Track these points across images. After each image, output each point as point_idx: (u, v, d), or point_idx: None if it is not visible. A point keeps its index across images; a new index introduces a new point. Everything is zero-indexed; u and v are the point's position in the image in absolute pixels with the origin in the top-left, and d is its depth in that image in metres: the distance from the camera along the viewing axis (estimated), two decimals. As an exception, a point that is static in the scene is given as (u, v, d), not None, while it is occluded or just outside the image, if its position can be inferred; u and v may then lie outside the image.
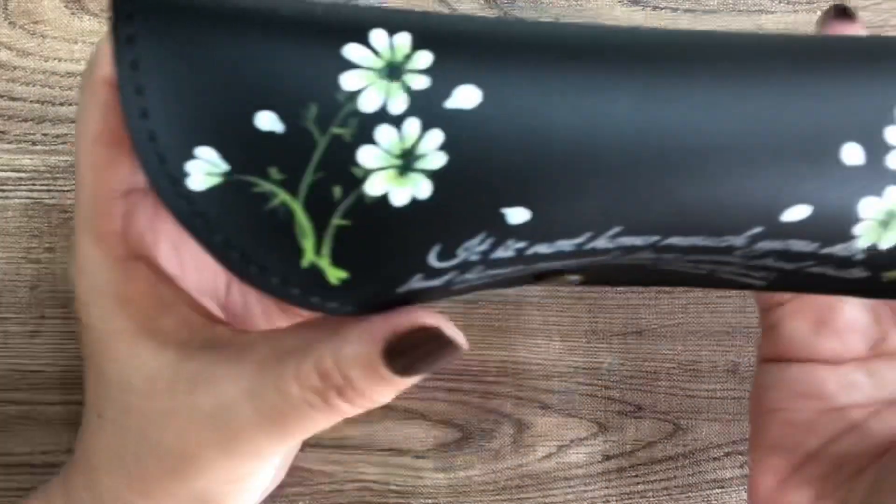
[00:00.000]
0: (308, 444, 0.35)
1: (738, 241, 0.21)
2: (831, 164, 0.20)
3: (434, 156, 0.19)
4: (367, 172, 0.19)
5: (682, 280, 0.25)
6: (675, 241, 0.21)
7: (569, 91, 0.19)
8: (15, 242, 0.34)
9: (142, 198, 0.23)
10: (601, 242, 0.21)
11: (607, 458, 0.35)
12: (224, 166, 0.19)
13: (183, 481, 0.22)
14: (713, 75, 0.20)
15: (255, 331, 0.24)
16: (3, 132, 0.34)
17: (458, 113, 0.19)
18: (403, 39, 0.19)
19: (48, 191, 0.34)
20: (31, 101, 0.34)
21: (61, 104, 0.34)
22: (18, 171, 0.34)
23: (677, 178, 0.20)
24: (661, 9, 0.35)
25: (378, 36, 0.19)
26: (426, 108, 0.19)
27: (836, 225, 0.21)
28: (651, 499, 0.35)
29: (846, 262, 0.22)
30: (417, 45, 0.19)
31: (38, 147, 0.34)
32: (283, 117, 0.19)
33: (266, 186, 0.19)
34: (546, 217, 0.20)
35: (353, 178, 0.19)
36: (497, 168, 0.19)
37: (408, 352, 0.20)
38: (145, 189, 0.23)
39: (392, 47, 0.19)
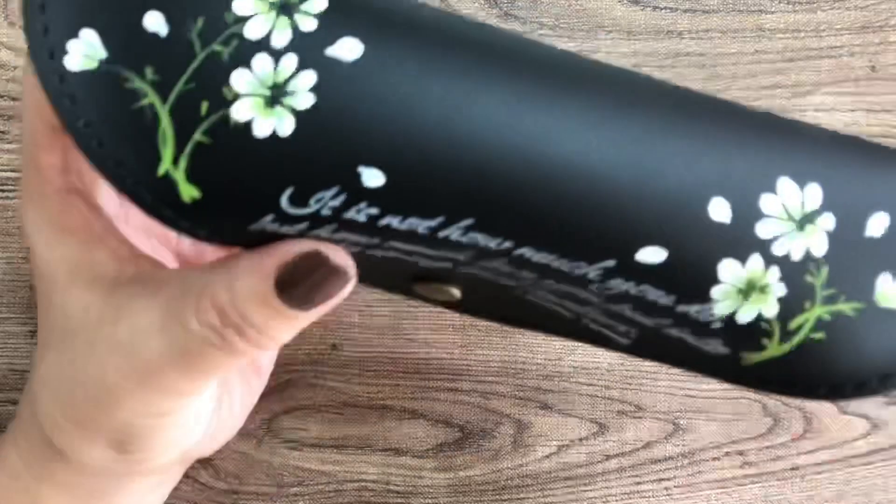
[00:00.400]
0: (308, 445, 0.35)
1: (591, 272, 0.21)
2: (696, 213, 0.20)
3: (303, 96, 0.20)
4: (237, 96, 0.20)
5: (554, 323, 0.24)
6: (527, 252, 0.21)
7: (446, 72, 0.20)
8: (15, 242, 0.34)
9: None
10: (454, 233, 0.21)
11: (607, 458, 0.35)
12: (103, 53, 0.20)
13: (105, 410, 0.23)
14: (602, 98, 0.20)
15: (172, 268, 0.24)
16: (3, 132, 0.34)
17: (336, 62, 0.20)
18: None
19: (48, 191, 0.34)
20: (31, 101, 0.34)
21: (61, 104, 0.34)
22: (18, 171, 0.34)
23: (532, 184, 0.20)
24: (661, 9, 0.35)
25: None
26: (307, 48, 0.20)
27: (693, 280, 0.20)
28: (651, 499, 0.35)
29: (704, 328, 0.21)
30: None
31: (38, 147, 0.34)
32: (170, 22, 0.20)
33: (138, 84, 0.20)
34: (399, 186, 0.20)
35: (222, 98, 0.20)
36: (360, 125, 0.20)
37: (299, 282, 0.21)
38: None
39: None
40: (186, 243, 0.28)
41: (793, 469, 0.36)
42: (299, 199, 0.20)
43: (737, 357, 0.21)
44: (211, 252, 0.28)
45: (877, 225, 0.20)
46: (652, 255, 0.20)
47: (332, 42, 0.20)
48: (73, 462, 0.24)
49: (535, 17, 0.35)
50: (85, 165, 0.23)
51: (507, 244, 0.21)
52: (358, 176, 0.20)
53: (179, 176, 0.20)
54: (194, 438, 0.25)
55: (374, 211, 0.20)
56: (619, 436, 0.35)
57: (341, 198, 0.20)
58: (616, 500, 0.35)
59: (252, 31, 0.20)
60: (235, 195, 0.20)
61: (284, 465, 0.35)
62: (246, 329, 0.21)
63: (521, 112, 0.20)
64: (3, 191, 0.34)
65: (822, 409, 0.35)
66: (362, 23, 0.20)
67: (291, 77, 0.20)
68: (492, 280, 0.23)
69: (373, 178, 0.20)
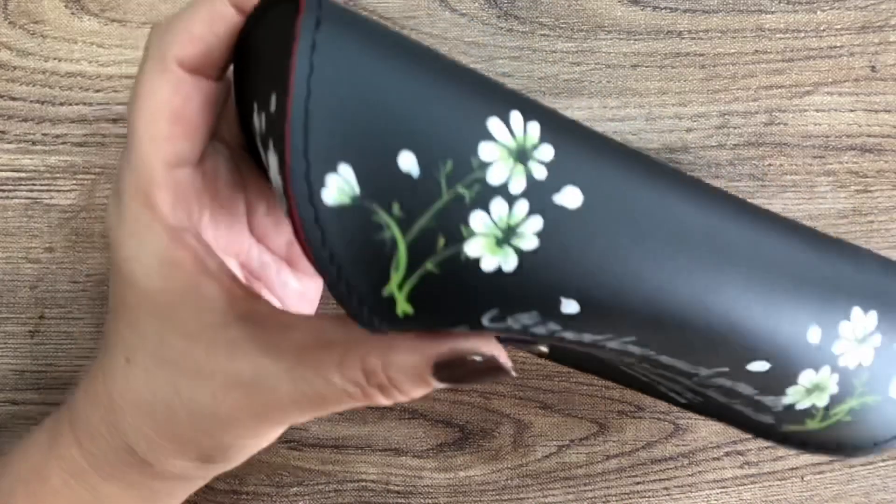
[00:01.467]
0: (308, 445, 0.35)
1: (704, 372, 0.25)
2: (799, 338, 0.24)
3: (529, 238, 0.21)
4: (472, 234, 0.21)
5: (629, 382, 0.29)
6: (664, 358, 0.25)
7: (651, 251, 0.23)
8: (15, 242, 0.34)
9: (192, 171, 0.24)
10: (614, 344, 0.24)
11: (607, 458, 0.35)
12: (357, 188, 0.20)
13: (211, 436, 0.24)
14: (751, 273, 0.24)
15: (293, 313, 0.25)
16: (3, 132, 0.34)
17: (561, 209, 0.22)
18: (534, 129, 0.22)
19: (48, 191, 0.34)
20: (31, 101, 0.34)
21: (61, 104, 0.34)
22: (18, 171, 0.34)
23: (692, 323, 0.23)
24: (662, 9, 0.35)
25: (516, 118, 0.22)
26: (537, 195, 0.21)
27: (779, 383, 0.25)
28: (651, 499, 0.35)
29: (766, 409, 0.26)
30: (544, 138, 0.22)
31: (38, 147, 0.34)
32: (422, 163, 0.21)
33: (384, 218, 0.21)
34: (589, 315, 0.22)
35: (459, 235, 0.21)
36: (573, 266, 0.22)
37: (457, 368, 0.22)
38: (195, 165, 0.24)
39: (525, 133, 0.22)
40: (253, 254, 0.29)
41: (793, 469, 0.36)
42: (499, 319, 0.22)
43: (779, 426, 0.27)
44: (273, 264, 0.29)
45: None
46: (759, 366, 0.25)
47: (558, 190, 0.22)
48: (156, 468, 0.25)
49: (535, 17, 0.35)
50: (193, 200, 0.24)
51: (650, 352, 0.24)
52: (558, 305, 0.22)
53: (401, 297, 0.21)
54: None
55: (556, 328, 0.23)
56: (619, 436, 0.35)
57: (535, 318, 0.22)
58: (616, 500, 0.35)
59: (494, 177, 0.21)
60: (445, 313, 0.22)
61: (284, 465, 0.35)
62: (390, 390, 0.23)
63: (697, 283, 0.23)
64: (2, 191, 0.34)
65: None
66: (585, 174, 0.22)
67: (522, 221, 0.21)
68: (594, 355, 0.26)
69: (570, 307, 0.22)
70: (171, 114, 0.23)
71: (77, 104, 0.34)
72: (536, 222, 0.21)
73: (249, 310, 0.24)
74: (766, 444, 0.36)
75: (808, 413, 0.26)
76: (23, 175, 0.34)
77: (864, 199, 0.35)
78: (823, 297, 0.25)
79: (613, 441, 0.35)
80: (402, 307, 0.21)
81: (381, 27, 0.22)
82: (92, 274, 0.34)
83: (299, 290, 0.29)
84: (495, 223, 0.21)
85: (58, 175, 0.34)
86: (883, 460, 0.36)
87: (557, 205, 0.22)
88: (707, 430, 0.35)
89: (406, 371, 0.22)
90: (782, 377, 0.25)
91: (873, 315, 0.26)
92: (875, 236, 0.35)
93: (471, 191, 0.21)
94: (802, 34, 0.35)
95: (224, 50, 0.24)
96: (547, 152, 0.22)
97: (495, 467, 0.35)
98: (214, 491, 0.34)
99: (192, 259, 0.24)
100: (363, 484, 0.35)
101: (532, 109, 0.22)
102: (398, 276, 0.21)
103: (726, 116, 0.35)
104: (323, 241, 0.20)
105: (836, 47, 0.35)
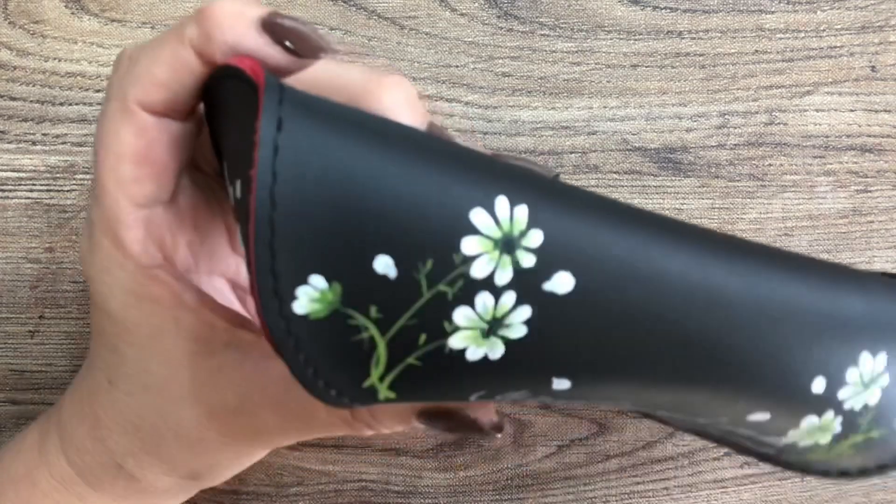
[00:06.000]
0: (308, 445, 0.35)
1: (702, 420, 0.25)
2: (805, 390, 0.23)
3: (517, 327, 0.20)
4: (456, 329, 0.20)
5: (620, 410, 0.29)
6: (660, 413, 0.24)
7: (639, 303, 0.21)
8: (14, 242, 0.34)
9: (164, 208, 0.24)
10: (606, 406, 0.23)
11: (607, 458, 0.35)
12: (330, 296, 0.19)
13: (197, 456, 0.24)
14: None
15: None
16: (3, 132, 0.34)
17: (551, 296, 0.20)
18: (522, 213, 0.20)
19: (48, 191, 0.34)
20: (31, 101, 0.34)
21: (61, 104, 0.34)
22: (18, 171, 0.34)
23: (677, 390, 0.22)
24: (662, 9, 0.35)
25: (502, 205, 0.20)
26: (525, 285, 0.20)
27: (778, 430, 0.24)
28: (651, 499, 0.35)
29: (766, 445, 0.26)
30: (532, 223, 0.20)
31: (38, 147, 0.34)
32: (399, 264, 0.19)
33: (361, 321, 0.20)
34: (582, 391, 0.22)
35: (442, 331, 0.20)
36: (564, 347, 0.21)
37: (442, 419, 0.23)
38: (167, 201, 0.24)
39: (511, 220, 0.20)
40: (243, 275, 0.28)
41: (793, 469, 0.36)
42: (487, 396, 0.22)
43: (779, 455, 0.27)
44: None
45: None
46: (759, 417, 0.24)
47: (548, 277, 0.20)
48: (143, 484, 0.26)
49: (535, 17, 0.35)
50: (165, 235, 0.24)
51: (646, 409, 0.24)
52: (549, 384, 0.21)
53: (383, 387, 0.21)
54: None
55: (547, 399, 0.22)
56: (619, 436, 0.35)
57: (525, 395, 0.22)
58: (616, 500, 0.35)
59: (477, 271, 0.20)
60: (429, 397, 0.21)
61: (284, 465, 0.35)
62: (376, 426, 0.23)
63: (696, 354, 0.22)
64: (2, 191, 0.34)
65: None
66: (575, 257, 0.20)
67: (509, 312, 0.20)
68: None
69: (561, 384, 0.22)
70: (136, 157, 0.22)
71: (77, 104, 0.34)
72: (524, 312, 0.20)
73: (233, 338, 0.24)
74: (766, 444, 0.36)
75: (810, 449, 0.26)
76: (23, 175, 0.34)
77: (864, 199, 0.35)
78: (831, 347, 0.24)
79: (613, 441, 0.35)
80: (385, 394, 0.21)
81: (349, 110, 0.20)
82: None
83: None
84: (480, 316, 0.20)
85: (58, 175, 0.34)
86: (883, 460, 0.36)
87: (547, 291, 0.20)
88: (707, 430, 0.36)
89: (391, 414, 0.23)
90: (783, 424, 0.24)
91: (882, 357, 0.24)
92: (875, 236, 0.35)
93: (453, 287, 0.20)
94: (802, 34, 0.35)
95: (189, 96, 0.22)
96: (536, 238, 0.20)
97: (495, 467, 0.35)
98: (214, 490, 0.34)
99: (168, 294, 0.23)
100: (363, 484, 0.35)
101: (520, 188, 0.20)
102: (378, 372, 0.20)
103: (726, 116, 0.35)
104: (297, 347, 0.20)
105: (836, 47, 0.35)
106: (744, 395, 0.23)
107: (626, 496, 0.35)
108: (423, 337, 0.20)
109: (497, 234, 0.20)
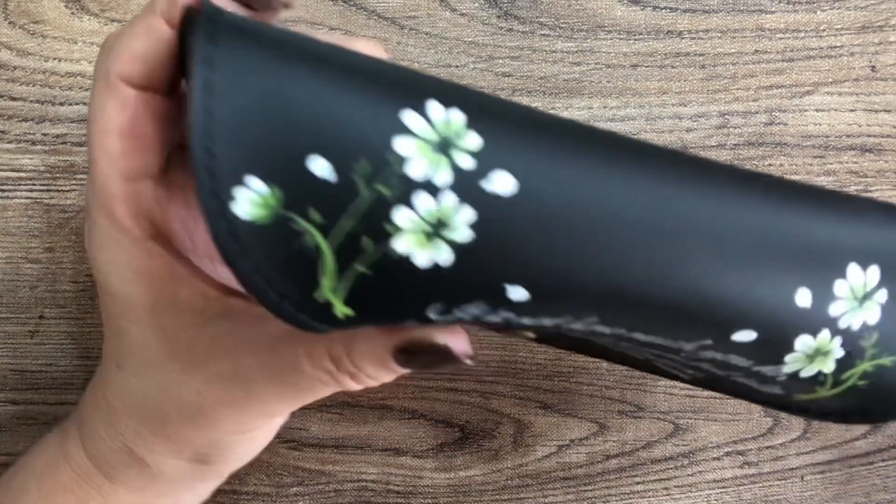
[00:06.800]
0: (308, 445, 0.35)
1: (688, 346, 0.24)
2: (786, 302, 0.23)
3: (462, 230, 0.21)
4: (399, 231, 0.21)
5: (622, 360, 0.28)
6: (637, 335, 0.24)
7: (588, 215, 0.21)
8: (15, 242, 0.34)
9: (154, 183, 0.25)
10: (577, 325, 0.23)
11: (607, 458, 0.35)
12: (270, 199, 0.20)
13: (199, 429, 0.25)
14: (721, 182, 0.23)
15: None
16: (3, 132, 0.34)
17: (493, 197, 0.21)
18: (457, 117, 0.21)
19: (48, 191, 0.34)
20: (31, 101, 0.34)
21: (61, 104, 0.34)
22: (18, 171, 0.34)
23: (651, 296, 0.22)
24: (661, 9, 0.35)
25: (434, 108, 0.21)
26: (466, 186, 0.21)
27: (773, 352, 0.24)
28: (651, 499, 0.35)
29: (769, 380, 0.25)
30: (469, 125, 0.21)
31: (38, 147, 0.34)
32: (335, 165, 0.20)
33: (303, 225, 0.20)
34: (542, 301, 0.22)
35: (385, 233, 0.21)
36: (515, 251, 0.21)
37: (416, 354, 0.23)
38: (157, 176, 0.25)
39: (447, 122, 0.21)
40: None
41: (793, 469, 0.36)
42: (444, 311, 0.22)
43: (790, 396, 0.26)
44: None
45: None
46: (744, 336, 0.23)
47: (487, 178, 0.21)
48: (153, 469, 0.26)
49: (535, 17, 0.35)
50: (157, 210, 0.25)
51: (621, 330, 0.23)
52: (503, 292, 0.21)
53: (337, 301, 0.21)
54: (262, 448, 0.28)
55: (510, 315, 0.22)
56: (619, 436, 0.35)
57: (483, 307, 0.22)
58: (616, 500, 0.35)
59: (414, 171, 0.20)
60: (386, 312, 0.22)
61: (284, 465, 0.35)
62: (359, 375, 0.23)
63: (653, 258, 0.22)
64: (2, 191, 0.34)
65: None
66: (515, 159, 0.21)
67: (451, 213, 0.21)
68: (584, 338, 0.25)
69: (518, 293, 0.21)
70: (122, 130, 0.23)
71: (77, 104, 0.34)
72: (468, 213, 0.21)
73: (225, 307, 0.25)
74: (766, 444, 0.36)
75: (816, 380, 0.25)
76: (23, 175, 0.34)
77: (864, 199, 0.35)
78: (812, 259, 0.23)
79: (613, 441, 0.35)
80: (341, 310, 0.21)
81: (283, 33, 0.21)
82: (92, 274, 0.34)
83: None
84: (422, 217, 0.21)
85: (58, 175, 0.34)
86: (883, 460, 0.36)
87: (489, 192, 0.21)
88: (707, 430, 0.35)
89: (369, 358, 0.23)
90: (775, 345, 0.24)
91: (874, 270, 0.24)
92: (875, 236, 0.35)
93: (390, 188, 0.20)
94: (802, 34, 0.35)
95: (166, 65, 0.23)
96: (473, 140, 0.21)
97: (495, 467, 0.35)
98: (214, 490, 0.34)
99: (163, 267, 0.24)
100: (363, 484, 0.35)
101: (456, 98, 0.21)
102: (329, 281, 0.21)
103: (726, 116, 0.35)
104: (243, 252, 0.20)
105: (836, 47, 0.35)
106: (718, 306, 0.22)
107: (626, 496, 0.35)
108: (366, 240, 0.21)
109: (432, 135, 0.21)
